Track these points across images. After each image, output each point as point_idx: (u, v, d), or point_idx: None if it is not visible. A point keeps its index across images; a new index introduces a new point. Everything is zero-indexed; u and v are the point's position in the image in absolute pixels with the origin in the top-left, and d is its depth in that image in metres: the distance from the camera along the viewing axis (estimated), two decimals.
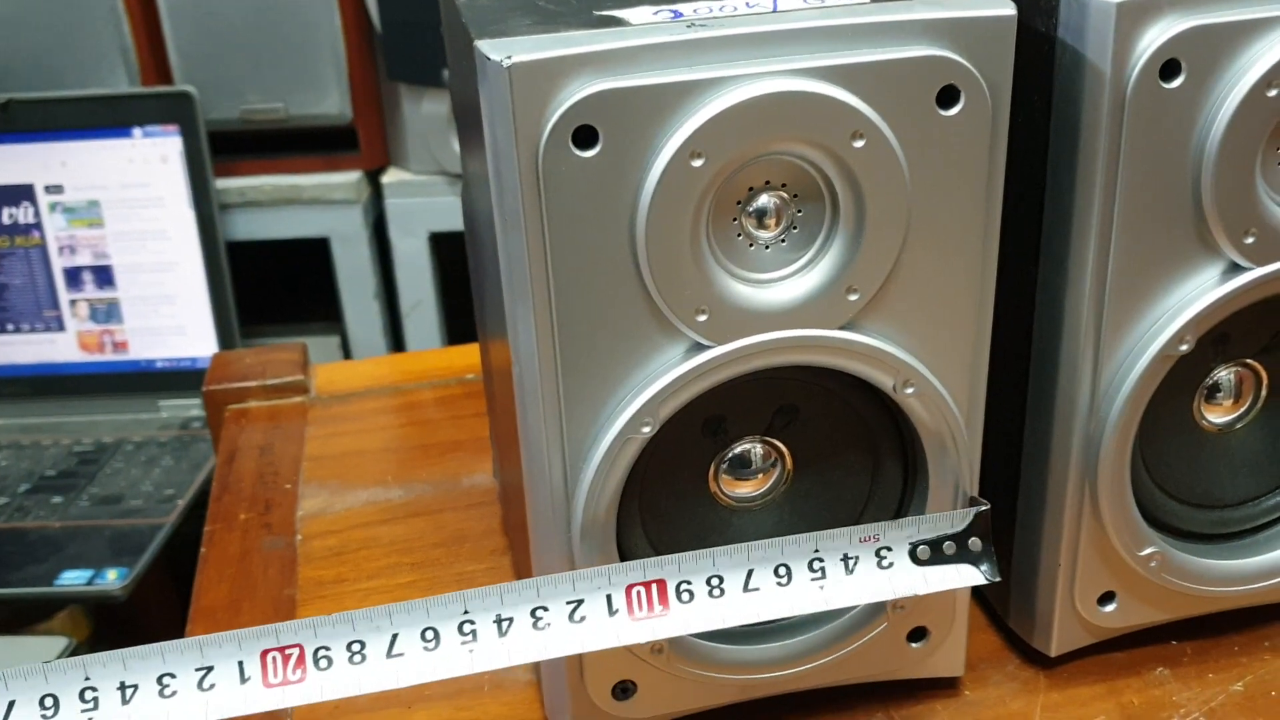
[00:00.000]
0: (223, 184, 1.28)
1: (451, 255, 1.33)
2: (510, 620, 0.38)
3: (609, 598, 0.38)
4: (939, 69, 0.37)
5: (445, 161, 1.28)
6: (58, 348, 1.29)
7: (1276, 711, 0.47)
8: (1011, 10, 0.38)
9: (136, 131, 1.23)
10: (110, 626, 1.09)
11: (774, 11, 0.38)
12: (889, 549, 0.40)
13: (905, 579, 0.40)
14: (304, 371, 0.73)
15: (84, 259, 1.27)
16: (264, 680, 0.36)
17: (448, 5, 0.46)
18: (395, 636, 0.37)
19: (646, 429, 0.40)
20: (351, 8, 1.23)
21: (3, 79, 1.24)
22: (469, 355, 0.76)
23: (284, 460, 0.66)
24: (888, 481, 0.44)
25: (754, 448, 0.43)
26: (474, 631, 0.37)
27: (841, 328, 0.40)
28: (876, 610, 0.45)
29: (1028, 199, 0.43)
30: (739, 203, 0.39)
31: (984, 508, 0.42)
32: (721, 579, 0.39)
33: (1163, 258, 0.42)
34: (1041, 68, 0.41)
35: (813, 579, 0.39)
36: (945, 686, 0.48)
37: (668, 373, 0.39)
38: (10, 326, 1.28)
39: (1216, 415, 0.47)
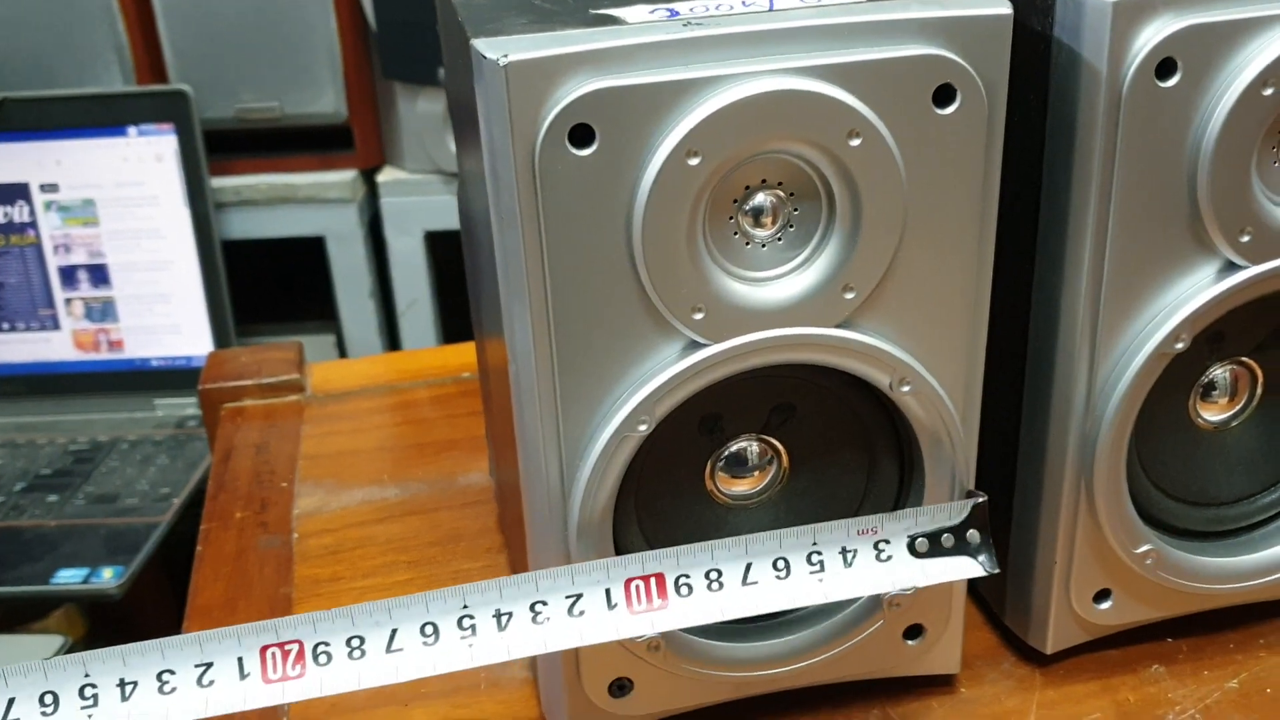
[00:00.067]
0: (218, 183, 1.28)
1: (447, 254, 1.33)
2: (509, 615, 0.38)
3: (608, 591, 0.38)
4: (935, 68, 0.37)
5: (441, 160, 1.28)
6: (53, 346, 1.29)
7: (1271, 708, 0.47)
8: (1008, 9, 0.38)
9: (131, 130, 1.23)
10: (106, 625, 1.09)
11: (770, 10, 0.38)
12: (887, 541, 0.41)
13: (904, 571, 0.40)
14: (299, 370, 0.73)
15: (79, 258, 1.26)
16: (263, 676, 0.36)
17: (444, 4, 0.46)
18: (394, 631, 0.37)
19: (643, 427, 0.40)
20: (347, 6, 1.23)
21: None
22: (464, 354, 0.76)
23: (280, 459, 0.66)
24: (884, 479, 0.44)
25: (750, 446, 0.43)
26: (473, 626, 0.37)
27: (838, 326, 0.40)
28: (872, 607, 0.45)
29: (1024, 197, 0.43)
30: (735, 201, 0.39)
31: (981, 499, 0.42)
32: (720, 572, 0.39)
33: (1158, 256, 0.42)
34: (1038, 67, 0.41)
35: (811, 572, 0.40)
36: (941, 684, 0.49)
37: (664, 371, 0.39)
38: (5, 325, 1.28)
39: (1212, 413, 0.47)
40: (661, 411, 0.40)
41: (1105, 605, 0.48)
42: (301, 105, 1.26)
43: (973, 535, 0.42)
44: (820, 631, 0.45)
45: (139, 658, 0.36)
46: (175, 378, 1.28)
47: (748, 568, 0.39)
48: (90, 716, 0.35)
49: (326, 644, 0.37)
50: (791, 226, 0.39)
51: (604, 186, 0.37)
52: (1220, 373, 0.46)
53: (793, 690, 0.47)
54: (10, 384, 1.29)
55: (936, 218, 0.39)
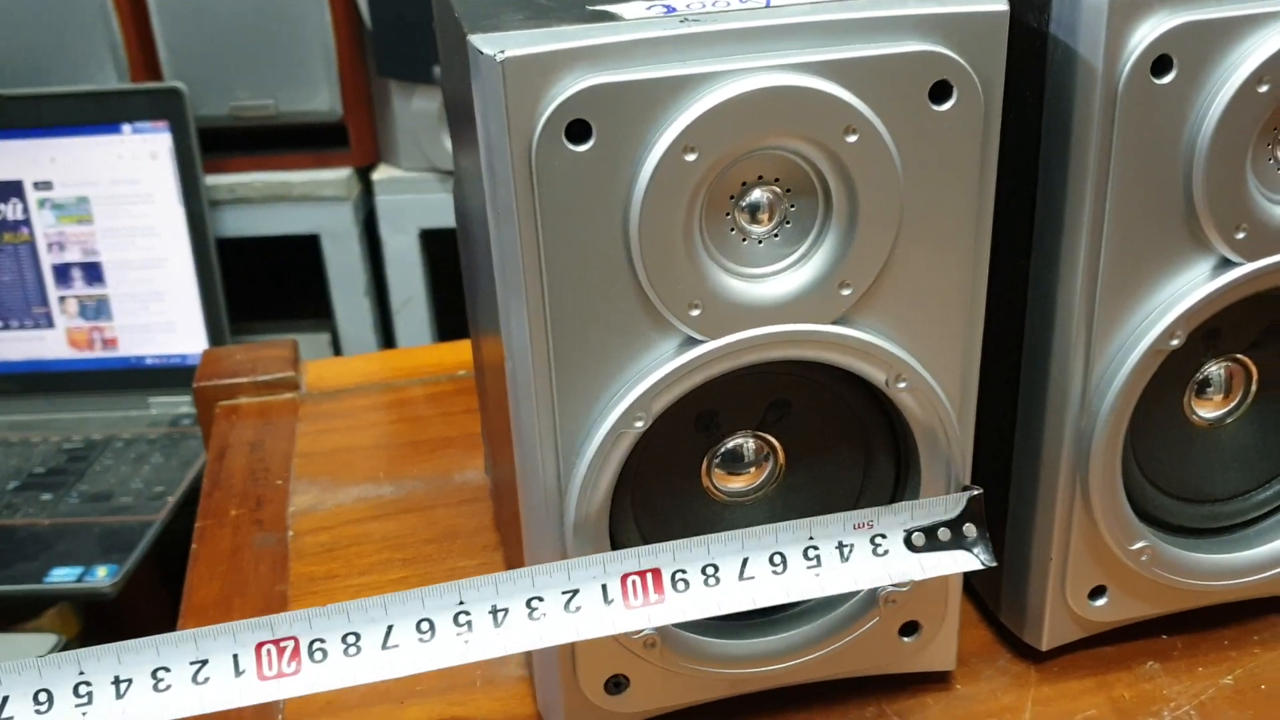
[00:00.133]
0: (212, 180, 1.27)
1: (442, 252, 1.33)
2: (506, 611, 0.38)
3: (604, 587, 0.38)
4: (932, 64, 0.37)
5: (436, 158, 1.28)
6: (47, 345, 1.28)
7: (1266, 704, 0.47)
8: (1004, 6, 0.38)
9: (126, 128, 1.23)
10: (100, 624, 1.09)
11: (767, 7, 0.38)
12: (883, 536, 0.41)
13: (900, 565, 0.40)
14: (294, 368, 0.73)
15: (73, 255, 1.26)
16: (259, 673, 0.36)
17: (440, 1, 0.46)
18: (390, 628, 0.37)
19: (639, 424, 0.40)
20: (342, 4, 1.22)
21: None
22: (460, 352, 0.76)
23: (275, 457, 0.66)
24: (880, 476, 0.44)
25: (746, 442, 0.43)
26: (469, 622, 0.37)
27: (834, 322, 0.40)
28: (868, 604, 0.45)
29: (1020, 194, 0.43)
30: (732, 197, 0.39)
31: (976, 492, 0.42)
32: (716, 567, 0.39)
33: (1154, 253, 0.42)
34: (1034, 63, 0.41)
35: (808, 566, 0.40)
36: (937, 681, 0.49)
37: (661, 367, 0.39)
38: None
39: (1207, 410, 0.47)
40: (658, 408, 0.40)
41: (1100, 602, 0.48)
42: (296, 103, 1.26)
43: (969, 529, 0.42)
44: (816, 628, 0.45)
45: (134, 655, 0.36)
46: (170, 376, 1.28)
47: (744, 562, 0.39)
48: (85, 714, 0.35)
49: (322, 640, 0.37)
50: (788, 223, 0.39)
51: (601, 182, 0.37)
52: (1215, 369, 0.46)
53: (788, 687, 0.47)
54: (4, 382, 1.29)
55: (933, 214, 0.40)
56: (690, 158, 0.36)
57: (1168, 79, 0.39)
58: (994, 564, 0.41)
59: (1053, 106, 0.41)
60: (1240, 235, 0.42)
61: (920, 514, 0.41)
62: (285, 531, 0.60)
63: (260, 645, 0.36)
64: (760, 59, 0.36)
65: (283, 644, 0.36)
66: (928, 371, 0.41)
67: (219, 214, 1.29)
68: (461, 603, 0.38)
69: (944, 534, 0.41)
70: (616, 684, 0.45)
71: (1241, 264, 0.42)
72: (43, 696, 0.35)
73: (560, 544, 0.41)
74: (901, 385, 0.41)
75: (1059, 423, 0.44)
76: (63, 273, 1.27)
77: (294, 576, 0.57)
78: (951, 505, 0.42)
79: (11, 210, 1.25)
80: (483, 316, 0.48)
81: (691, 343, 0.39)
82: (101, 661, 0.36)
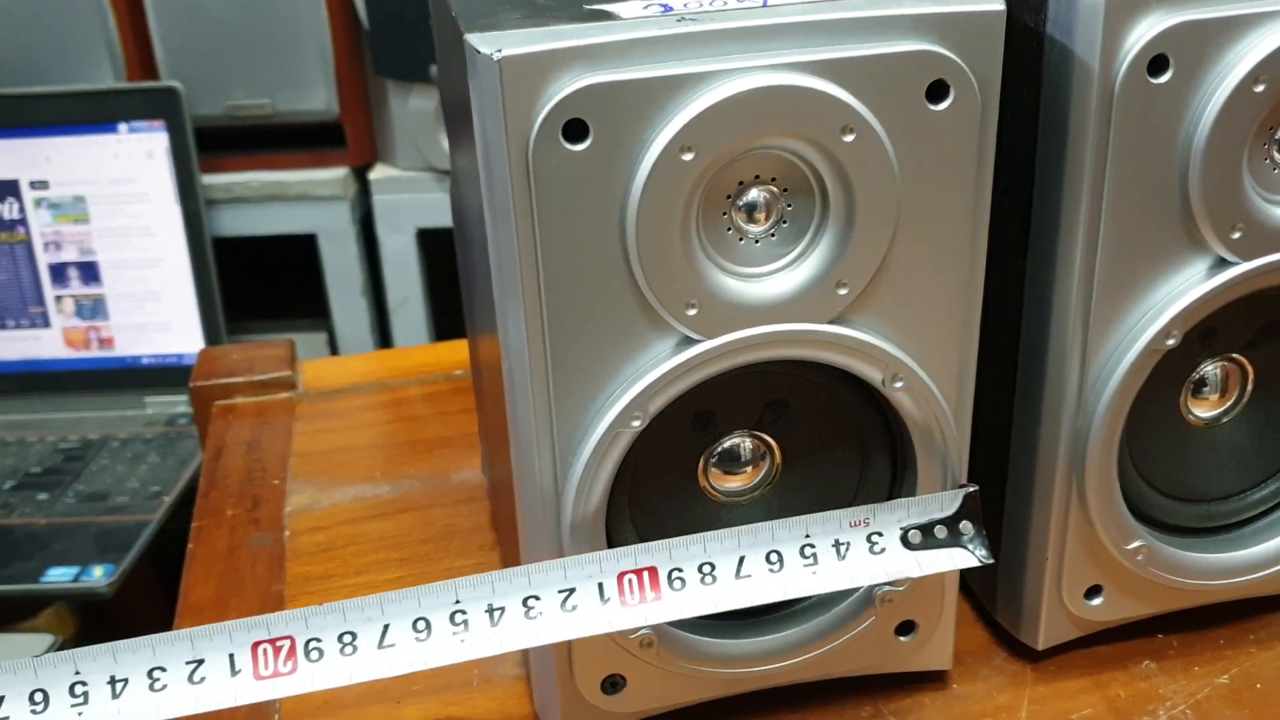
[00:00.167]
0: (209, 180, 1.27)
1: (439, 251, 1.33)
2: (502, 609, 0.38)
3: (600, 585, 0.38)
4: (929, 64, 0.37)
5: (432, 157, 1.28)
6: (43, 344, 1.28)
7: (1261, 704, 0.47)
8: (1001, 6, 0.38)
9: (122, 127, 1.23)
10: (96, 624, 1.09)
11: (764, 6, 0.38)
12: (880, 534, 0.41)
13: (897, 562, 0.40)
14: (291, 367, 0.73)
15: (69, 255, 1.26)
16: (255, 672, 0.36)
17: (437, 0, 0.46)
18: (386, 627, 0.37)
19: (636, 423, 0.40)
20: (338, 3, 1.22)
21: None
22: (457, 351, 0.76)
23: (271, 456, 0.66)
24: (876, 475, 0.45)
25: (743, 442, 0.43)
26: (465, 621, 0.37)
27: (831, 322, 0.40)
28: (865, 604, 0.45)
29: (1016, 194, 0.44)
30: (729, 197, 0.39)
31: (972, 489, 0.42)
32: (713, 565, 0.39)
33: (1150, 252, 0.42)
34: (1030, 63, 0.41)
35: (805, 564, 0.40)
36: (933, 680, 0.49)
37: (657, 367, 0.39)
38: None
39: (1203, 410, 0.47)
40: (655, 407, 0.40)
41: (1096, 601, 0.48)
42: (293, 102, 1.26)
43: (965, 526, 0.42)
44: (812, 628, 0.45)
45: (130, 655, 0.36)
46: (166, 375, 1.27)
47: (741, 561, 0.39)
48: (81, 714, 0.35)
49: (318, 640, 0.37)
50: (785, 222, 0.39)
51: (598, 182, 0.37)
52: (1211, 369, 0.46)
53: (785, 687, 0.47)
54: (0, 382, 1.28)
55: (929, 214, 0.40)
56: (687, 157, 0.36)
57: (1164, 79, 0.39)
58: (991, 560, 0.41)
59: (1049, 106, 0.41)
60: (1236, 235, 0.42)
61: (917, 511, 0.41)
62: (282, 531, 0.60)
63: (256, 645, 0.36)
64: (757, 58, 0.36)
65: (279, 643, 0.36)
66: (924, 371, 0.41)
67: (215, 213, 1.29)
68: (458, 601, 0.38)
69: (940, 531, 0.41)
70: (613, 683, 0.45)
71: (1237, 263, 0.42)
72: (38, 696, 0.35)
73: (557, 543, 0.41)
74: (898, 385, 0.41)
75: (1055, 422, 0.44)
76: (59, 272, 1.26)
77: (291, 576, 0.57)
78: (948, 502, 0.42)
79: (7, 210, 1.25)
80: (480, 316, 0.48)
81: (688, 342, 0.39)
82: (97, 661, 0.36)
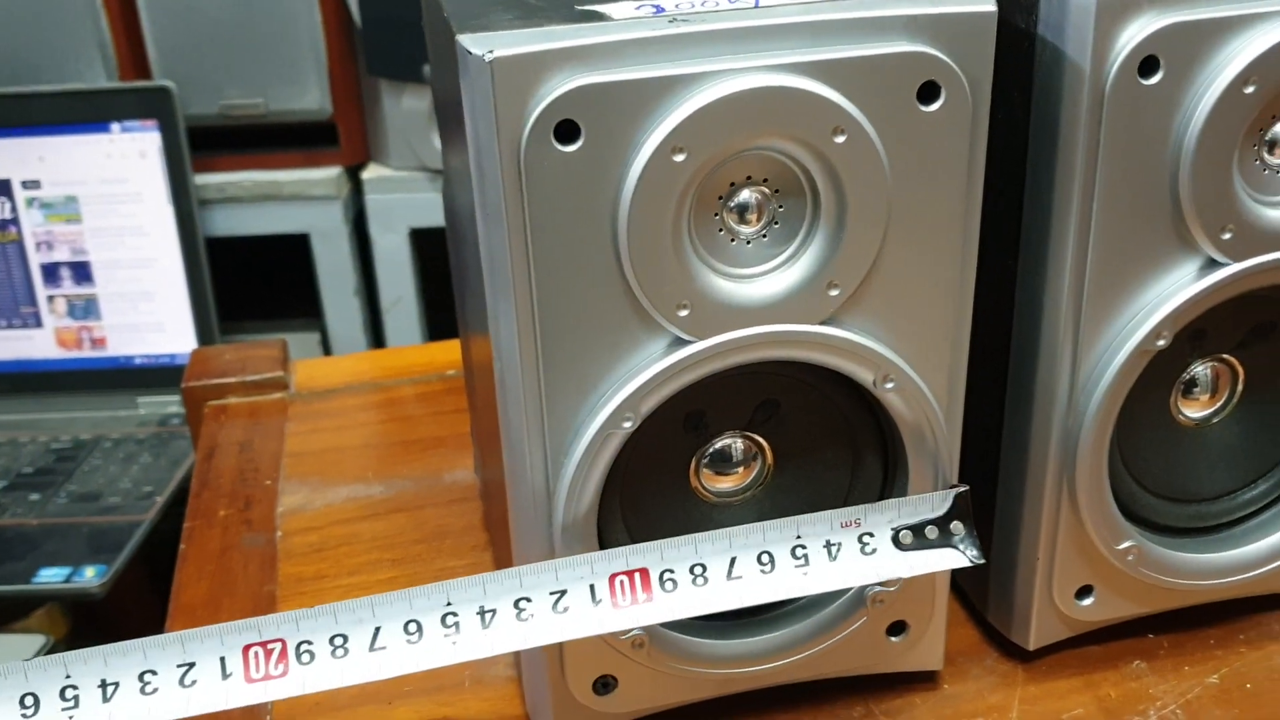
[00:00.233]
0: (202, 179, 1.27)
1: (432, 251, 1.33)
2: (493, 611, 0.38)
3: (592, 587, 0.38)
4: (920, 65, 0.37)
5: (426, 157, 1.28)
6: (35, 344, 1.28)
7: (1251, 704, 0.47)
8: (992, 7, 0.38)
9: (115, 126, 1.23)
10: (88, 624, 1.09)
11: (756, 7, 0.38)
12: (871, 534, 0.41)
13: (889, 563, 0.40)
14: (284, 368, 0.73)
15: (62, 255, 1.26)
16: (246, 675, 0.36)
17: (429, 0, 0.46)
18: (378, 629, 0.37)
19: (628, 424, 0.40)
20: (331, 3, 1.22)
21: None
22: (450, 351, 0.76)
23: (264, 456, 0.66)
24: (868, 476, 0.45)
25: (735, 443, 0.43)
26: (457, 623, 0.37)
27: (822, 323, 0.40)
28: (856, 604, 0.45)
29: (1007, 195, 0.44)
30: (720, 198, 0.39)
31: (963, 489, 0.42)
32: (704, 566, 0.39)
33: (1141, 253, 0.42)
34: (1021, 64, 0.42)
35: (796, 565, 0.40)
36: (924, 680, 0.49)
37: (649, 368, 0.39)
38: None
39: (1193, 410, 0.47)
40: (646, 408, 0.40)
41: (1087, 601, 0.48)
42: (286, 102, 1.26)
43: (956, 526, 0.42)
44: (804, 628, 0.45)
45: (120, 658, 0.36)
46: (158, 375, 1.27)
47: (732, 561, 0.39)
48: (71, 718, 0.35)
49: (309, 642, 0.37)
50: (776, 223, 0.39)
51: (589, 183, 0.37)
52: (1201, 370, 0.46)
53: (776, 687, 0.47)
54: None
55: (921, 215, 0.40)
56: (679, 158, 0.36)
57: (1155, 80, 0.39)
58: (981, 561, 0.42)
59: (1040, 107, 0.41)
60: (1226, 236, 0.42)
61: (907, 512, 0.41)
62: (274, 532, 0.60)
63: (247, 647, 0.36)
64: (749, 59, 0.36)
65: (270, 646, 0.36)
66: (915, 372, 0.41)
67: (208, 213, 1.28)
68: (449, 604, 0.38)
69: (931, 532, 0.41)
70: (605, 684, 0.45)
71: (1228, 264, 0.42)
72: (29, 700, 0.35)
73: (548, 544, 0.41)
74: (889, 385, 0.41)
75: (1046, 423, 0.44)
76: (51, 272, 1.26)
77: (283, 577, 0.57)
78: (939, 503, 0.42)
79: None
80: (471, 316, 0.48)
81: (680, 343, 0.39)
82: (88, 665, 0.36)
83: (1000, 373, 0.46)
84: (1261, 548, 0.49)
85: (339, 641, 0.37)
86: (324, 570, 0.57)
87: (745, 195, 0.39)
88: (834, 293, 0.40)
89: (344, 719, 0.48)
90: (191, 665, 0.36)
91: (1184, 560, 0.48)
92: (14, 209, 1.25)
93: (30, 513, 1.10)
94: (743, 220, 0.39)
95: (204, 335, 1.26)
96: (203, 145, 1.26)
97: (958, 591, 0.52)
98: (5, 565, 1.03)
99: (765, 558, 0.40)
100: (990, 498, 0.48)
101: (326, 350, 1.37)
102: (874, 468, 0.44)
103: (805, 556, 0.40)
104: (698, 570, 0.39)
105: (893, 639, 0.47)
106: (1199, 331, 0.45)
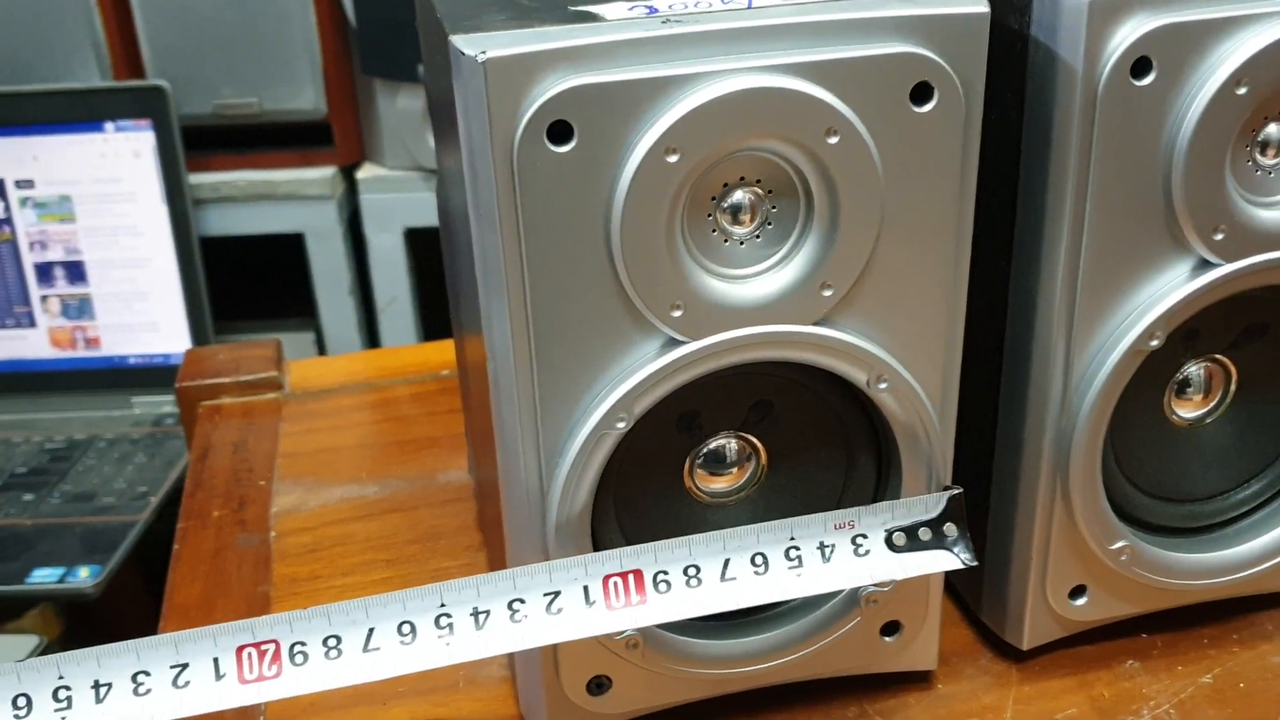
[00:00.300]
0: (196, 179, 1.27)
1: (427, 251, 1.33)
2: (487, 613, 0.38)
3: (586, 589, 0.38)
4: (913, 66, 0.38)
5: (420, 157, 1.28)
6: (29, 344, 1.28)
7: (1245, 703, 0.47)
8: (985, 8, 0.38)
9: (109, 126, 1.22)
10: (82, 625, 1.08)
11: (749, 8, 0.38)
12: (864, 536, 0.41)
13: (882, 565, 0.40)
14: (278, 368, 0.73)
15: (55, 254, 1.26)
16: (239, 676, 0.36)
17: (423, 0, 0.46)
18: (371, 631, 0.37)
19: (621, 424, 0.40)
20: (326, 3, 1.22)
21: None
22: (444, 351, 0.76)
23: (258, 457, 0.66)
24: (862, 476, 0.45)
25: (728, 443, 0.43)
26: (450, 625, 0.37)
27: (816, 323, 0.40)
28: (850, 605, 0.45)
29: (1001, 195, 0.44)
30: (714, 199, 0.39)
31: (956, 491, 0.42)
32: (698, 568, 0.39)
33: (1134, 254, 0.42)
34: (1014, 65, 0.42)
35: (789, 567, 0.40)
36: (918, 680, 0.49)
37: (643, 368, 0.39)
38: None
39: (1187, 410, 0.47)
40: (640, 409, 0.40)
41: (1081, 601, 0.48)
42: (280, 101, 1.25)
43: (949, 528, 0.42)
44: (798, 628, 0.45)
45: (114, 659, 0.36)
46: (153, 375, 1.27)
47: (726, 563, 0.39)
48: (64, 718, 0.35)
49: (303, 644, 0.37)
50: (770, 224, 0.39)
51: (582, 183, 0.37)
52: (1195, 370, 0.46)
53: (771, 687, 0.47)
54: None
55: (914, 215, 0.40)
56: (672, 159, 0.36)
57: (1147, 81, 0.39)
58: (975, 563, 0.42)
59: (1033, 108, 0.41)
60: (1219, 236, 0.42)
61: (901, 513, 0.41)
62: (268, 532, 0.60)
63: (241, 648, 0.36)
64: (742, 60, 0.37)
65: (263, 647, 0.36)
66: (909, 372, 0.42)
67: (202, 213, 1.28)
68: (443, 605, 0.38)
69: (925, 534, 0.41)
70: (599, 685, 0.45)
71: (1220, 265, 0.42)
72: (21, 701, 0.35)
73: (542, 545, 0.41)
74: (882, 386, 0.41)
75: (1039, 423, 0.44)
76: (45, 272, 1.26)
77: (277, 577, 0.57)
78: (932, 505, 0.42)
79: None
80: (465, 317, 0.48)
81: (673, 344, 0.39)
82: (81, 666, 0.36)
83: (994, 373, 0.46)
84: (1254, 547, 0.49)
85: (333, 643, 0.37)
86: (318, 571, 0.57)
87: (738, 196, 0.39)
88: (827, 293, 0.40)
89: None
90: (185, 666, 0.36)
91: (1177, 560, 0.48)
92: (8, 208, 1.24)
93: (24, 513, 1.10)
94: (736, 221, 0.39)
95: (198, 335, 1.26)
96: (197, 145, 1.26)
97: (951, 591, 0.53)
98: None
99: (759, 559, 0.40)
100: (984, 498, 0.48)
101: (321, 350, 1.37)
102: (868, 468, 0.44)
103: (799, 558, 0.40)
104: (691, 571, 0.39)
105: (887, 639, 0.47)
106: (1192, 332, 0.45)
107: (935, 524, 0.42)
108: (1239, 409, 0.48)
